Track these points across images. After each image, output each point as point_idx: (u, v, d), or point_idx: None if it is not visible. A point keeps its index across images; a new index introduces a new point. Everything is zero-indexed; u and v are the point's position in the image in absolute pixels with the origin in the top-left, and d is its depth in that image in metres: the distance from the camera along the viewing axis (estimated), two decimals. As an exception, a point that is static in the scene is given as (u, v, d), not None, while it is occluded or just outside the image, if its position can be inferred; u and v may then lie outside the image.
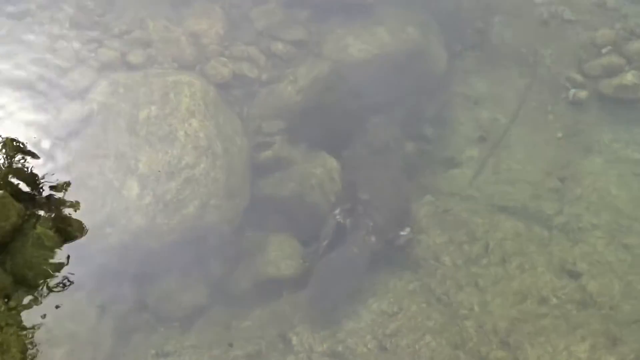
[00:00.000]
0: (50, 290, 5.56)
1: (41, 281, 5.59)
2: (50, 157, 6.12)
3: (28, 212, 5.75)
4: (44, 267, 5.63)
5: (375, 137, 7.19)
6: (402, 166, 7.07)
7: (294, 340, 5.78)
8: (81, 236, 5.82)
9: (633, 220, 6.47)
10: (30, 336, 5.42)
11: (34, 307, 5.53)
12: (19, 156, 6.01)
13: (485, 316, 5.89)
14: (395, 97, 7.47)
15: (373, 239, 6.40)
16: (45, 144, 6.18)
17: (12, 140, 6.08)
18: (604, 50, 7.48)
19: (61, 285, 5.59)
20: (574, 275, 6.14)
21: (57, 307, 5.54)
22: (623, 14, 7.69)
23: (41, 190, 5.92)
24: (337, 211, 6.60)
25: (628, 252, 6.27)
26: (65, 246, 5.73)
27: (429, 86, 7.66)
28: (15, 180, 5.87)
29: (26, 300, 5.53)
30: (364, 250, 6.34)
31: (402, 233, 6.51)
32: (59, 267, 5.67)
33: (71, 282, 5.59)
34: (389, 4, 7.65)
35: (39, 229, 5.65)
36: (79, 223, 5.86)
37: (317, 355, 5.68)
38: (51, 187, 5.95)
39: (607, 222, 6.47)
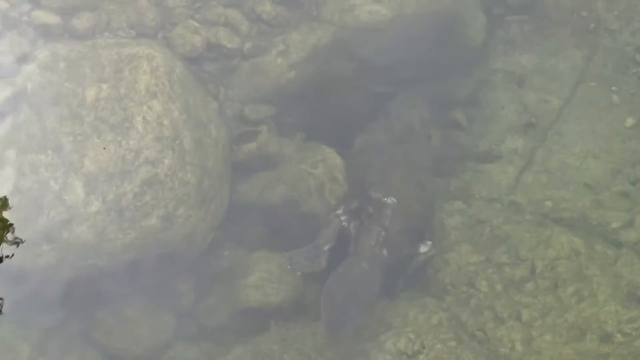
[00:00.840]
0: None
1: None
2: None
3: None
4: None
5: (398, 120, 7.21)
6: (430, 160, 7.07)
7: (285, 391, 5.80)
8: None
9: None
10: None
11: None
12: None
13: (532, 357, 5.89)
14: (417, 74, 7.46)
15: (385, 252, 6.33)
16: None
17: None
18: (686, 12, 7.53)
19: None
20: None
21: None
22: None
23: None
24: (340, 210, 6.58)
25: None
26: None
27: (461, 60, 7.67)
28: None
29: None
30: (374, 267, 6.27)
31: (422, 249, 6.47)
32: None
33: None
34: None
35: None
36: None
37: (316, 411, 5.72)
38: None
39: (693, 236, 6.43)
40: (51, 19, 6.77)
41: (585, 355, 5.89)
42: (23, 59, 6.50)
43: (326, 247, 6.43)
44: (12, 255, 5.80)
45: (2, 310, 5.64)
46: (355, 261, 6.27)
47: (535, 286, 6.22)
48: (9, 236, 5.87)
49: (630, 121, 7.12)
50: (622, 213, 6.62)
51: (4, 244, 5.82)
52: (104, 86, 6.32)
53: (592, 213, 6.63)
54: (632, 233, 6.51)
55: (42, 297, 6.00)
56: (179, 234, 6.27)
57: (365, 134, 7.23)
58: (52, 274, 5.98)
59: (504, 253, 6.40)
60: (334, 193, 6.74)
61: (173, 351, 6.18)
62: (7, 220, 5.87)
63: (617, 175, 6.83)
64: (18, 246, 5.83)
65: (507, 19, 7.94)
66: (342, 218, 6.52)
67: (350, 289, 6.15)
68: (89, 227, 6.00)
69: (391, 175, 6.78)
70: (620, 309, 6.07)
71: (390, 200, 6.54)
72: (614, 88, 7.31)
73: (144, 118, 6.26)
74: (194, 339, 6.25)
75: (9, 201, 5.96)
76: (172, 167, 6.23)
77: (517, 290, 6.21)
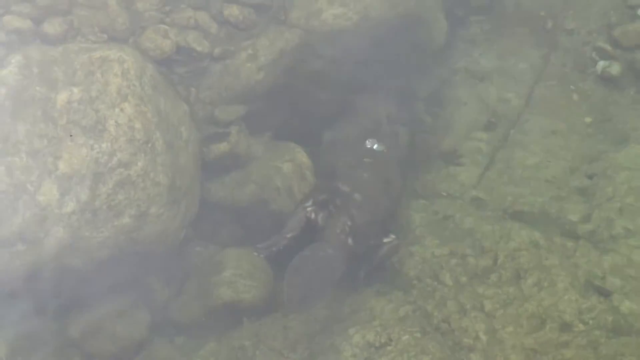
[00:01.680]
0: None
1: None
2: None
3: None
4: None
5: (366, 117, 7.32)
6: (396, 156, 7.15)
7: (256, 384, 5.82)
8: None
9: (677, 225, 6.53)
10: None
11: None
12: None
13: (495, 347, 5.91)
14: (382, 75, 7.53)
15: (350, 241, 6.45)
16: None
17: None
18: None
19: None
20: (604, 292, 6.17)
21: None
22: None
23: None
24: (308, 203, 6.66)
25: (670, 263, 6.30)
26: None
27: (424, 61, 7.76)
28: None
29: None
30: (339, 253, 6.39)
31: (385, 239, 6.58)
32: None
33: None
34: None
35: None
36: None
37: (285, 403, 5.75)
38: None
39: (645, 228, 6.49)
40: (23, 23, 6.69)
41: (546, 344, 5.89)
42: None
43: (289, 235, 6.54)
44: None
45: None
46: (320, 246, 6.39)
47: (498, 277, 6.25)
48: None
49: (588, 119, 7.18)
50: (580, 206, 6.67)
51: None
52: (76, 89, 6.29)
53: (551, 207, 6.65)
54: (589, 225, 6.56)
55: (18, 297, 5.96)
56: (151, 232, 6.30)
57: (334, 130, 7.31)
58: (28, 273, 5.95)
59: (468, 246, 6.44)
60: (302, 191, 6.83)
61: (149, 347, 6.22)
62: None
63: (575, 172, 6.89)
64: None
65: (469, 19, 8.00)
66: (310, 210, 6.60)
67: (312, 270, 6.26)
68: (64, 227, 6.00)
69: (359, 169, 6.88)
70: (579, 298, 6.10)
71: (357, 193, 6.66)
72: (572, 87, 7.38)
73: (115, 121, 6.25)
74: (168, 336, 6.29)
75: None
76: (144, 168, 6.25)
77: (480, 282, 6.23)
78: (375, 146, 6.72)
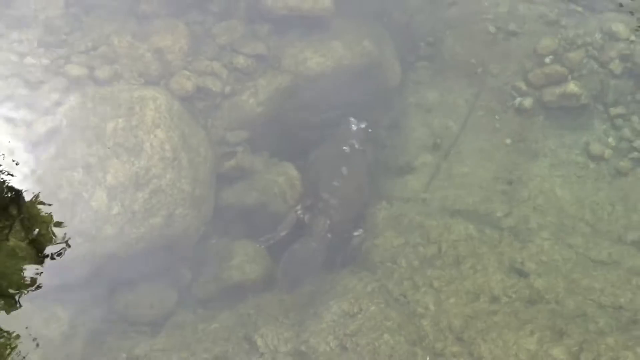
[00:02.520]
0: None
1: (15, 291, 5.59)
2: (23, 170, 6.10)
3: (0, 224, 5.74)
4: (18, 277, 5.61)
5: (343, 139, 7.25)
6: (365, 169, 7.12)
7: (259, 341, 5.75)
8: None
9: (577, 220, 6.57)
10: (5, 343, 5.41)
11: (10, 314, 5.51)
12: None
13: (441, 314, 5.89)
14: (352, 107, 7.54)
15: (329, 235, 6.55)
16: (16, 158, 6.15)
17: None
18: (547, 60, 7.53)
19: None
20: (523, 274, 6.18)
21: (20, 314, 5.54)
22: (563, 25, 7.73)
23: (13, 202, 5.88)
24: (298, 207, 6.71)
25: (572, 250, 6.34)
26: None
27: (384, 96, 7.69)
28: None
29: (1, 309, 5.50)
30: (321, 245, 6.50)
31: (355, 233, 6.63)
32: (33, 278, 5.65)
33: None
34: (345, 19, 7.69)
35: (12, 240, 5.64)
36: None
37: (281, 356, 5.67)
38: (23, 200, 5.91)
39: (553, 223, 6.53)
40: (80, 71, 6.78)
41: (480, 312, 5.89)
42: (60, 100, 6.49)
43: (283, 233, 6.57)
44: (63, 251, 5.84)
45: (42, 284, 5.63)
46: (307, 240, 6.51)
47: (442, 262, 6.26)
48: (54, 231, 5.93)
49: (508, 140, 7.13)
50: (503, 206, 6.66)
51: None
52: (120, 120, 6.37)
53: (481, 206, 6.66)
54: (510, 220, 6.55)
55: (77, 279, 5.96)
56: (178, 229, 6.33)
57: (317, 150, 7.28)
58: (84, 261, 5.98)
59: (419, 237, 6.42)
60: (293, 196, 6.80)
61: (176, 316, 6.18)
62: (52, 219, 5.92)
63: (499, 179, 6.86)
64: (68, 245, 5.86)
65: (416, 64, 7.88)
66: (299, 212, 6.66)
67: (301, 259, 6.40)
68: (111, 225, 6.06)
69: (335, 180, 6.89)
70: (504, 278, 6.13)
71: (333, 199, 6.71)
72: (496, 117, 7.29)
73: (151, 144, 6.31)
74: (191, 307, 6.28)
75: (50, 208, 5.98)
76: (172, 179, 6.30)
77: (429, 265, 6.23)
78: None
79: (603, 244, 6.44)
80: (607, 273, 6.19)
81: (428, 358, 5.58)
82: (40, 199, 5.98)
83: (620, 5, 7.83)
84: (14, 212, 5.84)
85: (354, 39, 7.58)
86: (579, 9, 7.89)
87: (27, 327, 5.56)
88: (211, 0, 7.65)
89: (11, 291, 5.58)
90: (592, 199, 6.74)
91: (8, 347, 5.44)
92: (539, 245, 6.38)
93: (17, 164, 6.12)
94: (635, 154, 7.03)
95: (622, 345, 5.59)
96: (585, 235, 6.50)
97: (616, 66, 7.47)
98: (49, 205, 5.97)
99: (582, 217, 6.61)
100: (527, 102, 7.36)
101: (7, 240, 5.64)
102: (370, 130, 7.43)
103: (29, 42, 6.92)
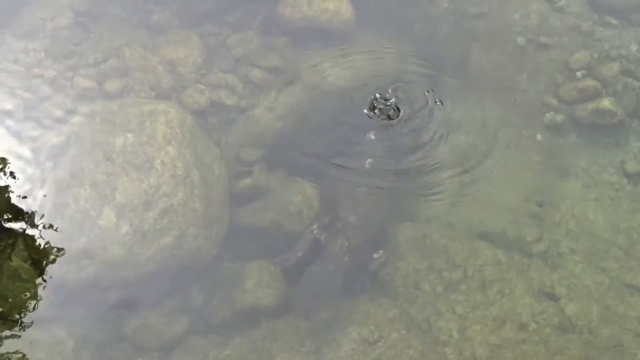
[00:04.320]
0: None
1: (18, 314, 5.60)
2: (27, 187, 6.14)
3: (3, 244, 5.79)
4: (20, 300, 5.63)
5: (369, 155, 7.18)
6: (386, 187, 7.03)
7: (274, 370, 5.78)
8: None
9: (610, 244, 6.52)
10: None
11: (10, 339, 5.55)
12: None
13: (465, 342, 5.89)
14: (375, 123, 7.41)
15: (346, 259, 6.47)
16: (21, 174, 6.20)
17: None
18: (578, 74, 7.51)
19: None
20: (553, 297, 6.17)
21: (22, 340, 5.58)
22: (597, 38, 7.74)
23: (18, 220, 5.95)
24: (314, 226, 6.66)
25: (605, 275, 6.32)
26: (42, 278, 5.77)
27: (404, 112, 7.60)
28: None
29: (2, 333, 5.54)
30: (338, 268, 6.42)
31: (375, 256, 6.56)
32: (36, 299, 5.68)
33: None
34: (365, 32, 7.73)
35: (15, 261, 5.69)
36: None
37: (297, 386, 5.71)
38: (26, 218, 5.95)
39: (585, 247, 6.50)
40: (89, 83, 6.84)
41: (506, 340, 5.89)
42: (68, 114, 6.54)
43: (299, 254, 6.50)
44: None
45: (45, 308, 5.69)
46: (323, 264, 6.41)
47: (467, 287, 6.24)
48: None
49: (537, 158, 7.06)
50: (533, 230, 6.61)
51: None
52: (130, 135, 6.38)
53: (510, 230, 6.60)
54: (541, 245, 6.50)
55: (83, 302, 5.98)
56: (189, 249, 6.31)
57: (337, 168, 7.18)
58: (93, 284, 5.99)
59: (443, 262, 6.40)
60: (309, 216, 6.74)
61: (186, 342, 6.14)
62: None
63: (528, 201, 6.77)
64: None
65: (440, 79, 7.78)
66: (316, 232, 6.61)
67: (318, 284, 6.30)
68: (119, 246, 6.05)
69: (354, 200, 6.82)
70: (533, 303, 6.11)
71: (352, 218, 6.66)
72: (524, 133, 7.22)
73: (162, 161, 6.32)
74: (202, 333, 6.21)
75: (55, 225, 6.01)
76: (184, 198, 6.29)
77: (453, 290, 6.21)
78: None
79: (638, 269, 6.38)
80: (644, 300, 6.17)
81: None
82: (46, 217, 6.02)
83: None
84: (17, 230, 5.89)
85: (375, 53, 7.57)
86: (614, 21, 7.92)
87: (29, 353, 5.57)
88: (226, 11, 7.73)
89: (13, 314, 5.62)
90: (627, 222, 6.68)
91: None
92: (570, 270, 6.37)
93: (16, 179, 6.16)
94: (673, 174, 7.02)
95: None
96: (619, 259, 6.45)
97: (654, 81, 7.48)
98: (54, 224, 6.01)
99: (615, 242, 6.56)
100: (558, 118, 7.33)
101: (10, 259, 5.69)
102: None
103: (36, 52, 7.01)
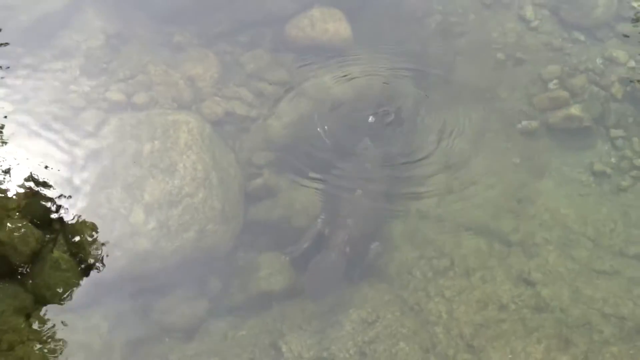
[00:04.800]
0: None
1: (59, 300, 5.64)
2: (66, 189, 6.15)
3: (45, 238, 5.81)
4: (61, 287, 5.67)
5: (366, 158, 7.18)
6: (381, 188, 7.02)
7: (284, 348, 5.75)
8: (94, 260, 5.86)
9: (580, 235, 6.53)
10: (49, 349, 5.45)
11: (52, 323, 5.58)
12: (38, 188, 6.05)
13: (452, 322, 5.89)
14: (371, 130, 7.45)
15: (347, 249, 6.43)
16: (61, 177, 6.20)
17: (32, 175, 6.14)
18: (551, 85, 7.52)
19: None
20: (530, 283, 6.15)
21: (63, 323, 5.62)
22: (567, 53, 7.77)
23: (57, 218, 5.97)
24: (319, 220, 6.63)
25: (575, 262, 6.31)
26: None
27: (399, 117, 7.61)
28: (34, 209, 5.93)
29: (46, 318, 5.57)
30: (340, 258, 6.39)
31: (372, 246, 6.53)
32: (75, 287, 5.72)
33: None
34: (363, 49, 7.73)
35: (56, 253, 5.70)
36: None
37: (304, 361, 5.67)
38: (65, 215, 5.99)
39: (558, 237, 6.49)
40: (119, 97, 6.85)
41: (489, 320, 5.90)
42: (101, 124, 6.54)
43: (305, 245, 6.47)
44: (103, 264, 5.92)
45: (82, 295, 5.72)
46: (327, 253, 6.38)
47: (454, 273, 6.23)
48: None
49: (515, 159, 7.08)
50: (511, 222, 6.60)
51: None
52: (156, 142, 6.40)
53: (491, 223, 6.58)
54: (518, 235, 6.51)
55: (116, 289, 5.97)
56: (209, 243, 6.31)
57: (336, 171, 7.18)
58: (125, 273, 5.99)
59: (432, 251, 6.40)
60: (313, 212, 6.71)
61: (207, 324, 6.12)
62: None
63: (508, 197, 6.77)
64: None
65: (430, 90, 7.67)
66: (320, 225, 6.60)
67: (323, 272, 6.29)
68: (147, 240, 6.07)
69: (353, 197, 6.80)
70: (512, 287, 6.11)
71: (351, 214, 6.59)
72: (505, 138, 7.22)
73: (184, 164, 6.32)
74: (221, 315, 6.20)
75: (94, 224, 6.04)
76: (204, 197, 6.30)
77: (441, 276, 6.21)
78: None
79: (605, 257, 6.39)
80: (610, 283, 6.15)
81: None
82: (82, 215, 6.02)
83: (625, 36, 7.86)
84: (57, 226, 5.92)
85: (372, 67, 7.58)
86: (582, 37, 7.95)
87: (69, 335, 5.60)
88: (239, 32, 7.74)
89: (55, 300, 5.64)
90: (595, 215, 6.68)
91: (57, 352, 5.48)
92: (544, 258, 6.34)
93: (57, 182, 6.17)
94: (635, 172, 7.01)
95: (626, 354, 5.59)
96: (588, 248, 6.45)
97: (617, 90, 7.48)
98: (91, 221, 6.02)
99: (584, 233, 6.56)
100: (533, 124, 7.33)
101: (52, 252, 5.71)
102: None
103: (72, 70, 7.01)
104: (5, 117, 6.49)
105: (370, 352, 5.70)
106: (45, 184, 6.13)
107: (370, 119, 7.21)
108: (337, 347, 5.75)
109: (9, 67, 6.88)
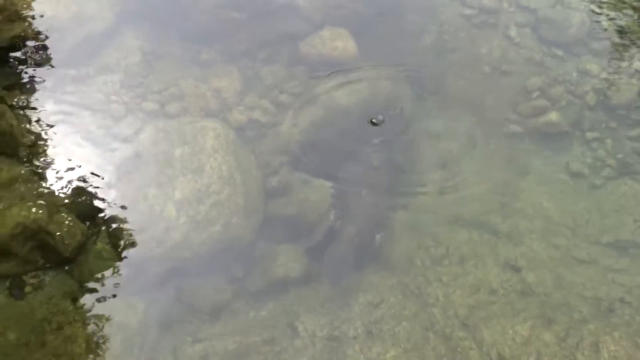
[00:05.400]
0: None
1: (101, 285, 5.64)
2: (108, 187, 6.16)
3: (90, 231, 5.80)
4: (104, 274, 5.71)
5: (373, 158, 7.12)
6: (384, 184, 6.98)
7: (300, 327, 5.73)
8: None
9: (560, 225, 6.48)
10: (93, 329, 5.46)
11: (96, 306, 5.59)
12: (83, 187, 6.06)
13: (449, 304, 5.86)
14: (374, 135, 7.39)
15: (357, 240, 6.41)
16: (104, 178, 6.21)
17: (78, 175, 6.15)
18: (534, 95, 7.48)
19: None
20: (516, 269, 6.13)
21: (105, 305, 5.57)
22: (547, 67, 7.72)
23: (101, 213, 5.97)
24: (331, 215, 6.59)
25: (557, 250, 6.28)
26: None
27: (399, 125, 7.58)
28: (80, 206, 5.93)
29: (90, 301, 5.58)
30: (350, 248, 6.36)
31: (377, 238, 6.50)
32: (115, 274, 5.74)
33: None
34: (367, 63, 7.68)
35: (99, 244, 5.72)
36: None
37: (318, 340, 5.65)
38: (107, 211, 5.98)
39: (540, 228, 6.46)
40: (154, 107, 6.84)
41: (481, 302, 5.86)
42: (138, 130, 6.56)
43: (319, 236, 6.43)
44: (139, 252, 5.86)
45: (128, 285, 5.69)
46: (340, 244, 6.36)
47: (449, 261, 6.19)
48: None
49: (501, 160, 6.99)
50: (499, 214, 6.56)
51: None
52: (186, 146, 6.38)
53: (481, 216, 6.55)
54: (505, 226, 6.43)
55: (151, 275, 5.95)
56: (233, 235, 6.26)
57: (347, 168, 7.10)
58: (159, 262, 5.97)
59: (430, 241, 6.35)
60: (325, 208, 6.66)
61: (231, 306, 6.04)
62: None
63: (495, 192, 6.71)
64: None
65: (426, 98, 7.68)
66: (332, 219, 6.54)
67: (337, 259, 6.27)
68: (179, 232, 6.03)
69: (360, 195, 6.76)
70: (500, 273, 6.07)
71: (358, 209, 6.57)
72: (492, 141, 7.20)
73: (211, 166, 6.30)
74: (243, 299, 6.10)
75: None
76: (229, 194, 6.27)
77: (438, 264, 6.17)
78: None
79: (582, 245, 6.35)
80: (587, 269, 6.13)
81: None
82: (122, 211, 6.01)
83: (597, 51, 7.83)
84: (100, 221, 5.91)
85: (375, 80, 7.56)
86: (560, 52, 7.88)
87: (110, 316, 5.59)
88: (259, 49, 7.71)
89: (98, 287, 5.64)
90: (573, 208, 6.64)
91: (99, 331, 5.47)
92: (529, 246, 6.30)
93: (99, 182, 6.16)
94: (608, 171, 6.95)
95: (602, 330, 5.56)
96: (567, 238, 6.41)
97: (590, 98, 7.41)
98: (129, 217, 6.01)
99: (564, 223, 6.51)
100: (518, 129, 7.29)
101: (95, 244, 5.71)
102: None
103: (113, 84, 7.02)
104: (55, 125, 6.52)
105: (376, 331, 5.68)
106: (90, 184, 6.12)
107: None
108: (347, 327, 5.73)
109: (58, 82, 6.89)
